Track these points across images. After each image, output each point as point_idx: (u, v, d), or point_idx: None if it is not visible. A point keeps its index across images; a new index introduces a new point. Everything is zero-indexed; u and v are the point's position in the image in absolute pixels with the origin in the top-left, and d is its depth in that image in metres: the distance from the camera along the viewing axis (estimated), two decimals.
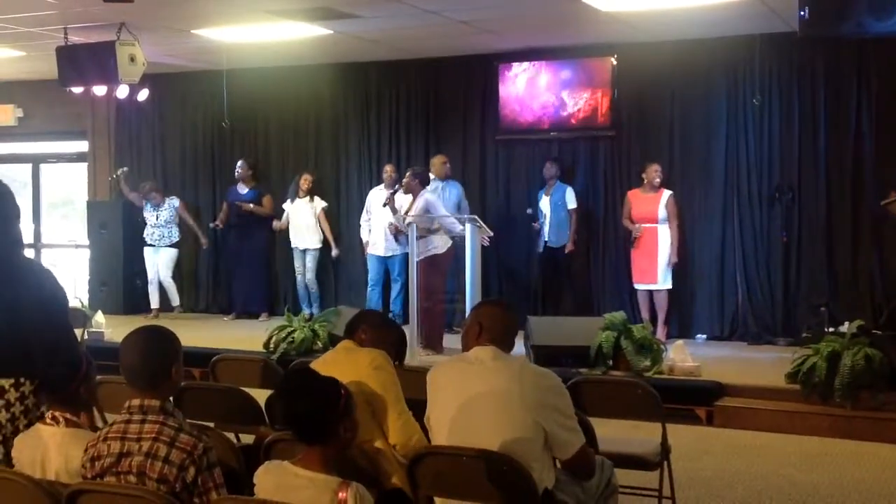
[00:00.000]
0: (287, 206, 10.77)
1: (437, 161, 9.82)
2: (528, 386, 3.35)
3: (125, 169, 11.55)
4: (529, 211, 9.83)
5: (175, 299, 11.26)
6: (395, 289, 10.12)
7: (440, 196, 9.36)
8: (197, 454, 2.86)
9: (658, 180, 9.15)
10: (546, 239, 9.64)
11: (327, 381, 3.01)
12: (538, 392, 3.35)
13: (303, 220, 10.67)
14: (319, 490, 2.81)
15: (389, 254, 10.06)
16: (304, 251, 10.69)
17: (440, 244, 8.77)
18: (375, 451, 3.45)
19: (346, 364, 3.61)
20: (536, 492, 3.24)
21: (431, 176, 9.57)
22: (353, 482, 2.82)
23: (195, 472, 2.85)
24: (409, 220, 8.73)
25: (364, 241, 10.29)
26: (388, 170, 10.24)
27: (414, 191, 8.87)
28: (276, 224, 10.90)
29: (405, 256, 10.01)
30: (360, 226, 10.42)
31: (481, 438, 3.30)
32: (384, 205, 9.37)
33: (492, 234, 8.72)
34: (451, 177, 9.87)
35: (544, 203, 9.66)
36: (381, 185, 10.27)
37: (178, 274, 11.40)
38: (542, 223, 9.67)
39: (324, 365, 3.67)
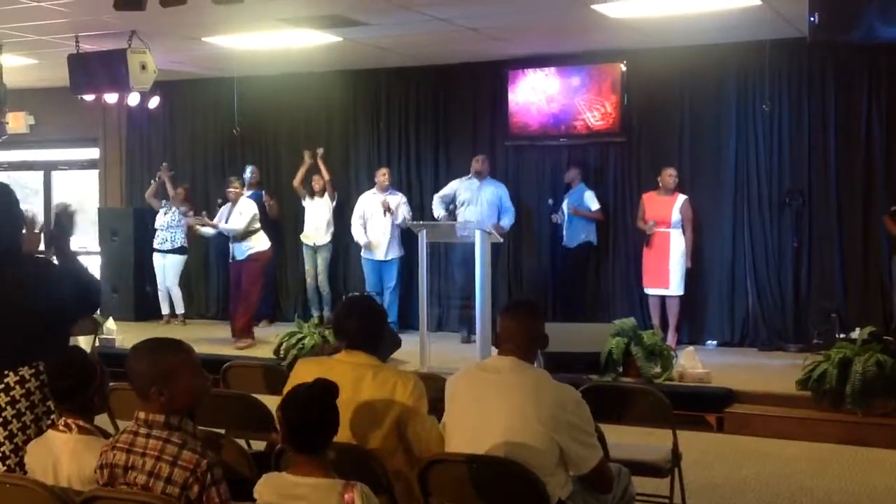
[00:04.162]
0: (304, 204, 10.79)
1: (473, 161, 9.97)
2: (544, 400, 3.32)
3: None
4: (550, 202, 9.82)
5: (179, 308, 11.24)
6: (390, 296, 10.16)
7: (474, 195, 9.69)
8: (200, 471, 2.82)
9: (672, 184, 9.15)
10: (569, 243, 9.64)
11: (327, 394, 2.96)
12: (554, 407, 3.31)
13: (319, 216, 10.65)
14: (325, 494, 2.81)
15: (389, 258, 10.14)
16: (316, 249, 10.67)
17: (260, 244, 9.78)
18: (386, 457, 3.45)
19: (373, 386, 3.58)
20: (548, 501, 3.23)
21: (469, 175, 9.84)
22: (357, 483, 2.82)
23: (199, 490, 2.81)
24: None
25: (361, 243, 10.29)
26: (385, 172, 10.27)
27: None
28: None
29: (401, 261, 10.11)
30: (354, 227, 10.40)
31: (493, 448, 3.29)
32: (385, 213, 10.08)
33: (501, 239, 8.74)
34: (484, 175, 9.80)
35: (565, 205, 9.65)
36: (374, 189, 10.30)
37: (186, 281, 11.42)
38: (562, 223, 9.65)
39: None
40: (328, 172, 10.62)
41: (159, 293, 11.31)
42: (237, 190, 9.91)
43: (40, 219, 3.84)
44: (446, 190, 9.97)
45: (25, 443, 3.46)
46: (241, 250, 9.77)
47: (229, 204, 9.95)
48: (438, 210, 9.88)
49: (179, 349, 3.00)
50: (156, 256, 11.18)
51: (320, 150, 10.63)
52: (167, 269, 11.11)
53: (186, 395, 2.95)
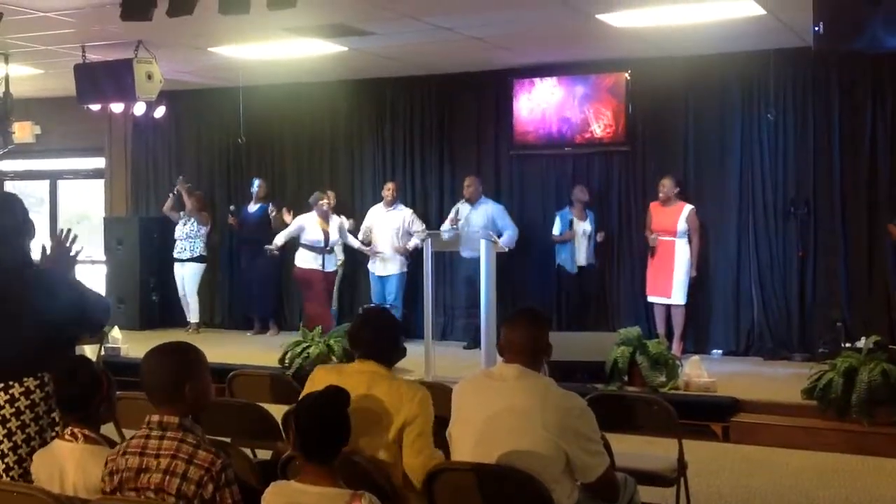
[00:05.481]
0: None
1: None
2: (551, 408, 3.31)
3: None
4: (557, 233, 9.69)
5: (195, 317, 11.26)
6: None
7: (468, 217, 9.72)
8: (215, 471, 2.86)
9: (662, 194, 9.17)
10: (586, 262, 9.60)
11: (339, 402, 2.98)
12: (560, 415, 3.31)
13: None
14: (332, 503, 2.82)
15: (388, 273, 10.20)
16: None
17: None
18: (391, 467, 3.45)
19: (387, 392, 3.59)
20: None
21: (464, 199, 9.88)
22: (364, 492, 2.82)
23: (213, 489, 2.85)
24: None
25: (355, 246, 10.33)
26: (391, 187, 10.27)
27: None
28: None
29: (402, 276, 10.15)
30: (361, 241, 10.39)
31: (500, 456, 3.29)
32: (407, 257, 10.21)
33: (506, 249, 8.75)
34: (476, 199, 9.80)
35: (584, 226, 9.59)
36: (381, 204, 10.33)
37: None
38: (573, 245, 9.58)
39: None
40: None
41: (182, 302, 11.32)
42: (330, 203, 10.20)
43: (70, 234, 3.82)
44: (451, 214, 9.94)
45: (29, 454, 3.48)
46: (334, 262, 10.23)
47: (311, 216, 10.10)
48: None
49: (194, 348, 3.13)
50: (176, 266, 11.21)
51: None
52: (186, 278, 11.14)
53: (208, 392, 3.09)
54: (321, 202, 10.09)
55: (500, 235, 9.51)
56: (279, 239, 10.20)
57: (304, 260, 10.15)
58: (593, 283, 9.81)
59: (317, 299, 10.12)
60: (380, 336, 3.68)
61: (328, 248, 10.08)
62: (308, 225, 10.11)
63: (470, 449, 3.40)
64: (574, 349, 7.81)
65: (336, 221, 10.26)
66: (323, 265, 10.08)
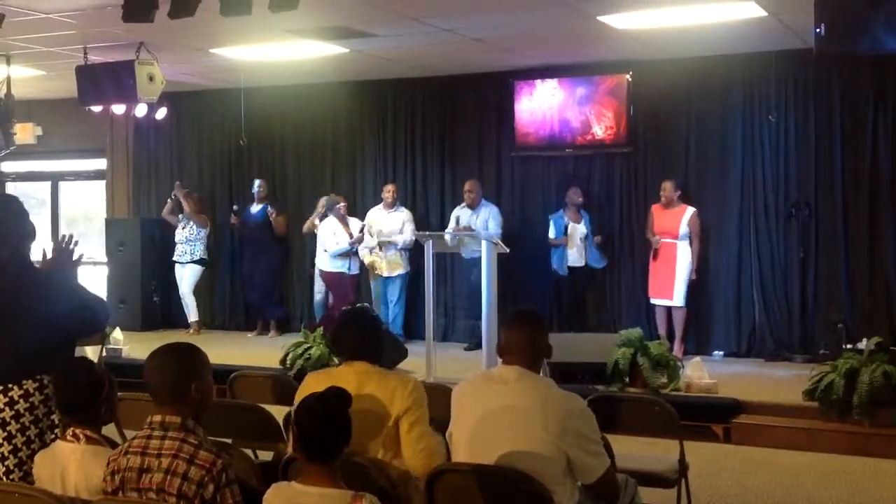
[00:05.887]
0: (317, 226, 10.54)
1: None
2: (551, 409, 3.30)
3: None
4: (552, 236, 9.71)
5: (193, 316, 11.27)
6: (394, 309, 10.18)
7: (469, 220, 9.81)
8: (216, 471, 2.87)
9: (664, 198, 9.17)
10: (579, 264, 9.62)
11: (340, 402, 2.99)
12: (560, 416, 3.29)
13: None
14: None
15: (393, 274, 10.21)
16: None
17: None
18: (394, 470, 3.45)
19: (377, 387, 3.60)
20: None
21: (465, 204, 9.95)
22: (366, 494, 2.83)
23: (214, 490, 2.86)
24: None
25: (367, 262, 10.36)
26: (391, 189, 10.32)
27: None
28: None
29: (405, 277, 10.15)
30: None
31: (500, 457, 3.29)
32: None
33: (507, 250, 8.74)
34: (476, 202, 9.87)
35: (580, 228, 9.60)
36: (381, 206, 10.35)
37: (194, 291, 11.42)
38: (565, 248, 9.59)
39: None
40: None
41: (182, 302, 11.35)
42: (346, 205, 10.25)
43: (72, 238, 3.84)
44: (451, 222, 10.02)
45: (30, 457, 3.48)
46: (358, 263, 10.28)
47: (329, 220, 10.16)
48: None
49: (198, 349, 3.15)
50: (176, 268, 11.24)
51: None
52: (184, 278, 11.16)
53: (211, 392, 3.11)
54: (338, 206, 10.11)
55: None
56: (359, 245, 10.19)
57: (331, 264, 10.20)
58: (586, 283, 9.79)
59: (345, 299, 10.08)
60: (364, 336, 3.70)
61: (353, 250, 10.13)
62: (335, 230, 10.16)
63: (470, 450, 3.40)
64: (575, 350, 7.81)
65: (355, 222, 10.27)
66: (349, 267, 10.19)
